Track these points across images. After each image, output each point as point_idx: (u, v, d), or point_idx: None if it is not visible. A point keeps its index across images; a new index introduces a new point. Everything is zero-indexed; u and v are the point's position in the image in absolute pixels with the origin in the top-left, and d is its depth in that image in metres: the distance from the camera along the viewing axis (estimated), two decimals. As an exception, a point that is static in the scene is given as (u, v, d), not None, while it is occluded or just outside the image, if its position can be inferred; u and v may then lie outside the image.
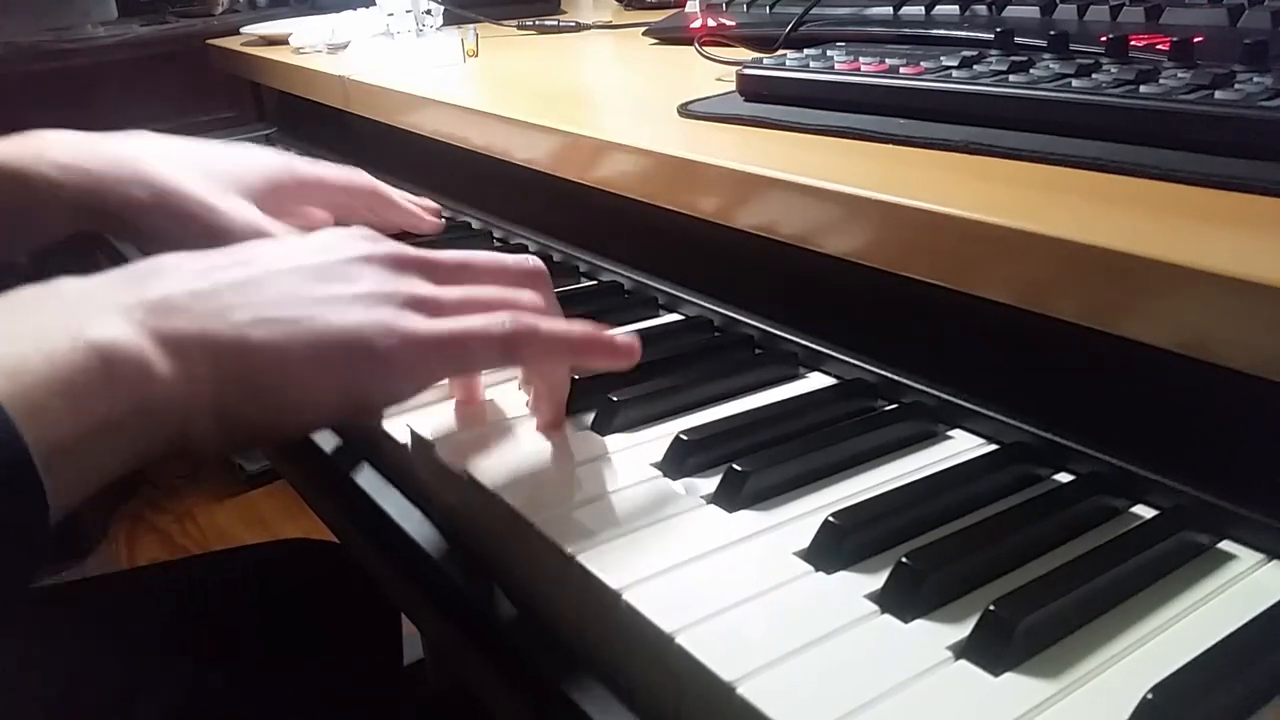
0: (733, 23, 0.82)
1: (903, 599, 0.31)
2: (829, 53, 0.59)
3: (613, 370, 0.42)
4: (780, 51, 0.65)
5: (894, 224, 0.40)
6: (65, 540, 1.65)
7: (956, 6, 0.68)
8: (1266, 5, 0.54)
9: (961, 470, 0.39)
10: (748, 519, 0.37)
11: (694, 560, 0.34)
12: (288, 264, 0.38)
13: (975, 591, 0.32)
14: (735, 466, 0.38)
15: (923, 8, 0.70)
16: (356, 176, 0.65)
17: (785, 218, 0.45)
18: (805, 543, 0.35)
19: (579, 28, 1.11)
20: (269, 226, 0.56)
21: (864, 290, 0.44)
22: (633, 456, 0.41)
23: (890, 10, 0.72)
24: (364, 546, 0.47)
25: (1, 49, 1.43)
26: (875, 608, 0.32)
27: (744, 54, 0.77)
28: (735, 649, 0.29)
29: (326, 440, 0.52)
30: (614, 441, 0.43)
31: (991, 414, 0.41)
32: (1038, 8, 0.64)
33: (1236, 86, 0.42)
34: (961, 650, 0.30)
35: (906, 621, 0.31)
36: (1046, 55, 0.52)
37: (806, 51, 0.61)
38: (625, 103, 0.71)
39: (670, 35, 0.91)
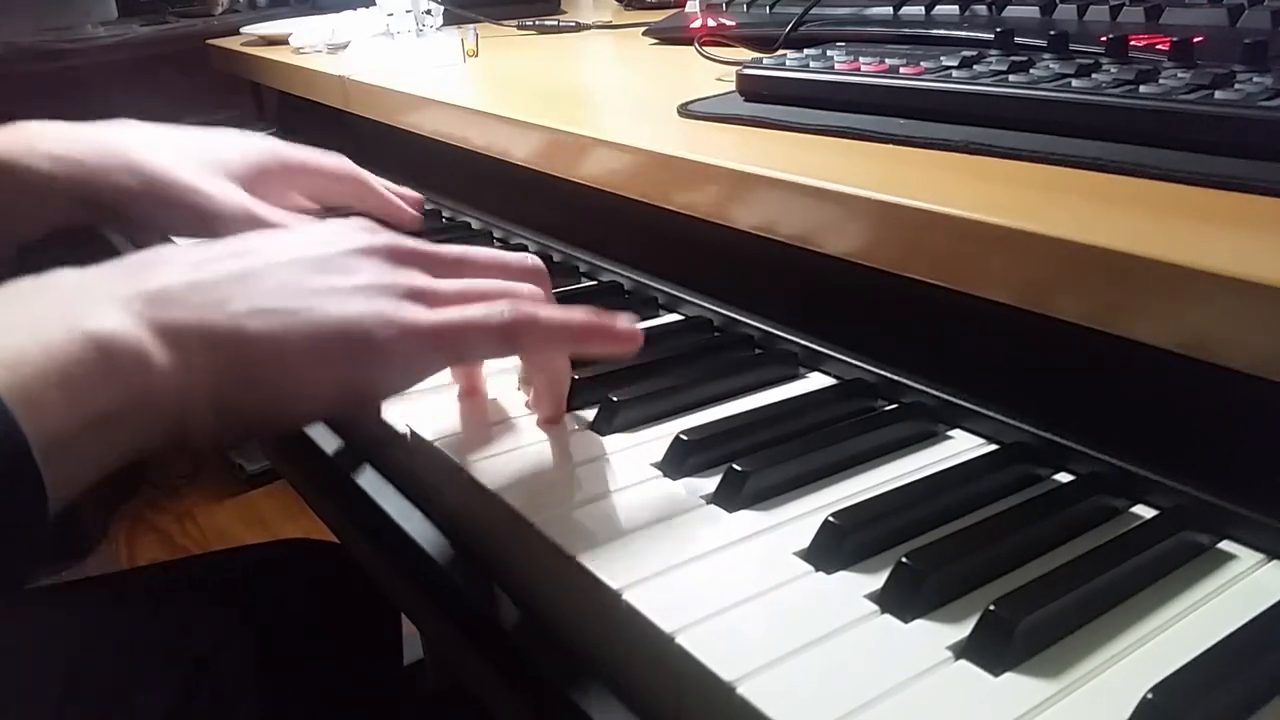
0: (733, 23, 0.82)
1: (903, 599, 0.31)
2: (829, 53, 0.59)
3: (615, 355, 0.42)
4: (780, 51, 0.65)
5: (894, 224, 0.40)
6: (65, 540, 1.65)
7: (956, 6, 0.68)
8: (1266, 5, 0.54)
9: (961, 470, 0.39)
10: (748, 519, 0.37)
11: (694, 560, 0.34)
12: (286, 255, 0.38)
13: (975, 591, 0.32)
14: (735, 466, 0.38)
15: (923, 8, 0.70)
16: (340, 163, 0.65)
17: (785, 218, 0.45)
18: (805, 543, 0.35)
19: (579, 28, 1.11)
20: (260, 211, 0.57)
21: (864, 290, 0.44)
22: (633, 456, 0.41)
23: (890, 10, 0.72)
24: (364, 546, 0.47)
25: (1, 49, 1.43)
26: (875, 608, 0.32)
27: (744, 54, 0.77)
28: (735, 649, 0.29)
29: (327, 440, 0.52)
30: (614, 441, 0.43)
31: (991, 414, 0.41)
32: (1038, 8, 0.64)
33: (1236, 86, 0.42)
34: (961, 650, 0.30)
35: (906, 621, 0.31)
36: (1046, 55, 0.52)
37: (806, 51, 0.61)
38: (625, 103, 0.71)
39: (670, 35, 0.91)
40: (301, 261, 0.38)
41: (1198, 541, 0.34)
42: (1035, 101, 0.46)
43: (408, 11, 1.10)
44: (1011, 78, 0.49)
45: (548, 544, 0.36)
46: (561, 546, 0.35)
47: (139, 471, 1.92)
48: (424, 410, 0.45)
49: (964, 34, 0.63)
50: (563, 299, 0.46)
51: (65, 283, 0.34)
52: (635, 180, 0.54)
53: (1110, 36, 0.53)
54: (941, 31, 0.65)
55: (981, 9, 0.67)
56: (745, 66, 0.59)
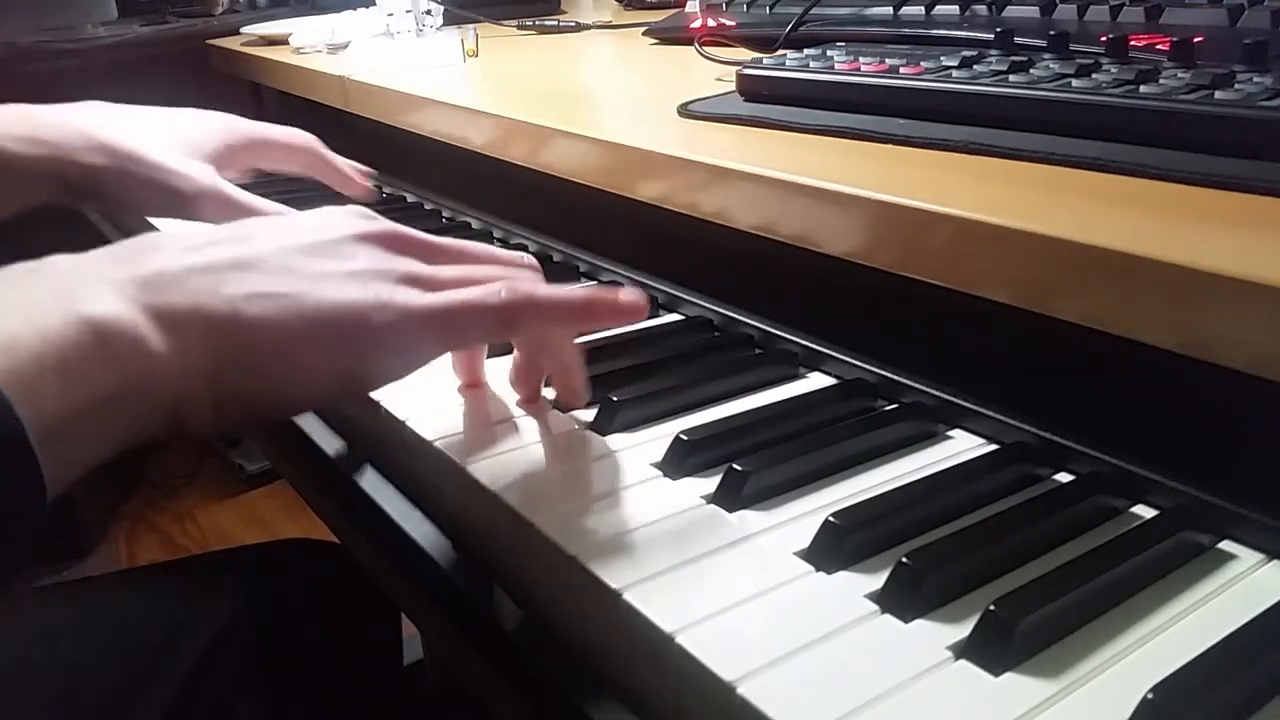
0: (733, 23, 0.82)
1: (903, 599, 0.31)
2: (829, 53, 0.59)
3: (622, 325, 0.41)
4: (780, 51, 0.65)
5: (894, 224, 0.40)
6: (65, 540, 1.65)
7: (956, 6, 0.68)
8: (1266, 5, 0.54)
9: (961, 470, 0.39)
10: (748, 519, 0.37)
11: (694, 560, 0.34)
12: (283, 241, 0.38)
13: (975, 591, 0.32)
14: (735, 466, 0.38)
15: (923, 8, 0.70)
16: (298, 136, 0.69)
17: (785, 218, 0.45)
18: (805, 543, 0.35)
19: (579, 28, 1.11)
20: (228, 190, 0.59)
21: (864, 290, 0.44)
22: (633, 456, 0.41)
23: (890, 10, 0.72)
24: (364, 546, 0.47)
25: (1, 49, 1.43)
26: (875, 608, 0.32)
27: (744, 54, 0.77)
28: (735, 649, 0.29)
29: (327, 440, 0.52)
30: (614, 441, 0.43)
31: (991, 414, 0.41)
32: (1038, 8, 0.64)
33: (1236, 86, 0.42)
34: (961, 650, 0.30)
35: (907, 621, 0.31)
36: (1046, 55, 0.52)
37: (806, 51, 0.61)
38: (625, 103, 0.71)
39: (670, 35, 0.91)
40: (298, 247, 0.38)
41: (1198, 541, 0.34)
42: (1035, 101, 0.46)
43: (408, 11, 1.10)
44: (1011, 78, 0.49)
45: (548, 544, 0.36)
46: (562, 546, 0.35)
47: (139, 471, 1.92)
48: (424, 410, 0.45)
49: (964, 34, 0.63)
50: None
51: (60, 267, 0.34)
52: (634, 180, 0.54)
53: (1110, 36, 0.53)
54: (941, 31, 0.65)
55: (981, 9, 0.67)
56: (745, 66, 0.59)
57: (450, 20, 1.15)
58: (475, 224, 0.76)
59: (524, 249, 0.68)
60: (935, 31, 0.65)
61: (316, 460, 0.51)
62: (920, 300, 0.41)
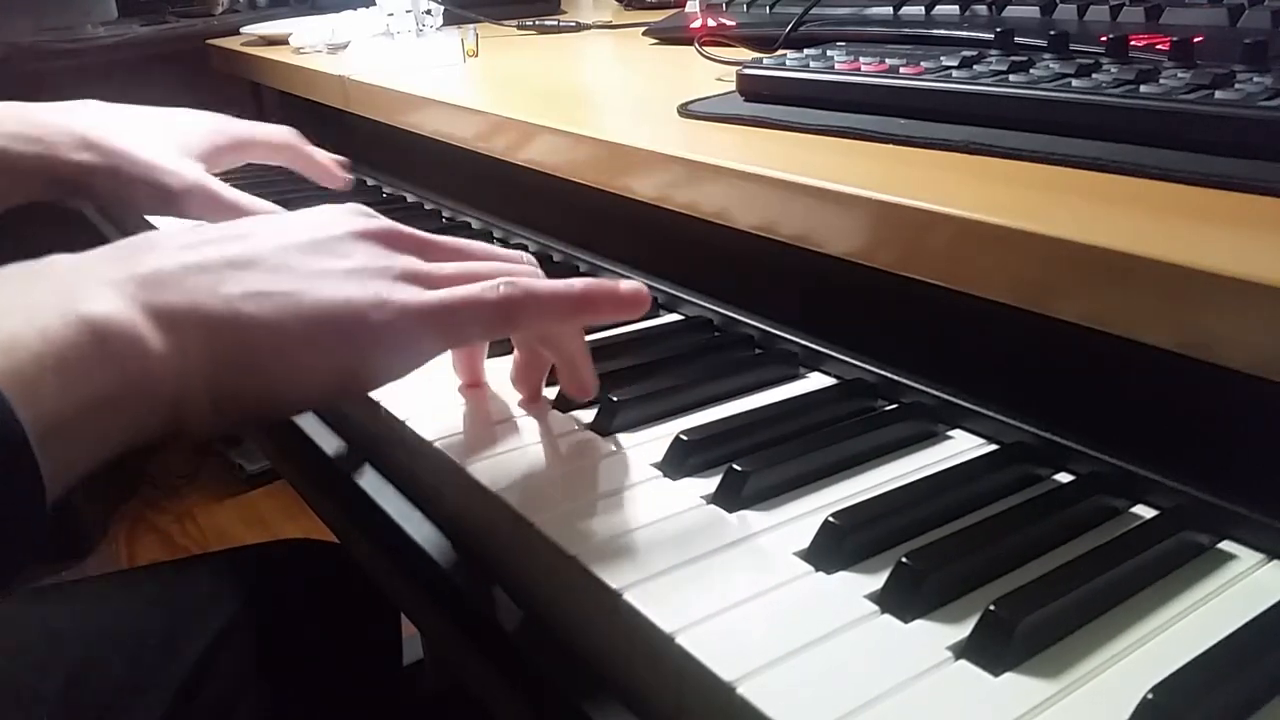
0: (733, 23, 0.82)
1: (903, 599, 0.31)
2: (829, 53, 0.59)
3: (623, 318, 0.41)
4: (780, 51, 0.65)
5: (894, 224, 0.40)
6: (65, 540, 1.65)
7: (956, 6, 0.68)
8: (1266, 5, 0.54)
9: (961, 470, 0.39)
10: (748, 519, 0.37)
11: (694, 560, 0.34)
12: (281, 239, 0.38)
13: (975, 591, 0.32)
14: (735, 466, 0.38)
15: (923, 8, 0.70)
16: (281, 133, 0.72)
17: (785, 218, 0.45)
18: (805, 543, 0.35)
19: (579, 28, 1.11)
20: (217, 189, 0.60)
21: (864, 290, 0.44)
22: (633, 456, 0.41)
23: (890, 10, 0.72)
24: (364, 546, 0.47)
25: (1, 49, 1.43)
26: (875, 608, 0.32)
27: (744, 54, 0.77)
28: (735, 649, 0.29)
29: (327, 440, 0.52)
30: (614, 442, 0.43)
31: (991, 414, 0.41)
32: (1038, 8, 0.64)
33: (1236, 86, 0.42)
34: (961, 650, 0.30)
35: (906, 621, 0.31)
36: (1046, 55, 0.52)
37: (806, 51, 0.61)
38: (625, 103, 0.71)
39: (670, 35, 0.91)
40: (296, 245, 0.38)
41: (1198, 541, 0.34)
42: (1035, 101, 0.46)
43: (408, 11, 1.10)
44: (1012, 78, 0.49)
45: (548, 544, 0.36)
46: (562, 546, 0.35)
47: (139, 471, 1.92)
48: (424, 410, 0.45)
49: (964, 34, 0.63)
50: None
51: (59, 267, 0.34)
52: (634, 180, 0.54)
53: (1110, 36, 0.53)
54: (942, 31, 0.65)
55: (981, 9, 0.67)
56: (745, 66, 0.59)
57: (450, 20, 1.15)
58: (475, 224, 0.76)
59: (524, 249, 0.68)
60: (935, 31, 0.65)
61: (316, 460, 0.51)
62: (920, 300, 0.41)
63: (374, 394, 0.46)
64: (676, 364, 0.49)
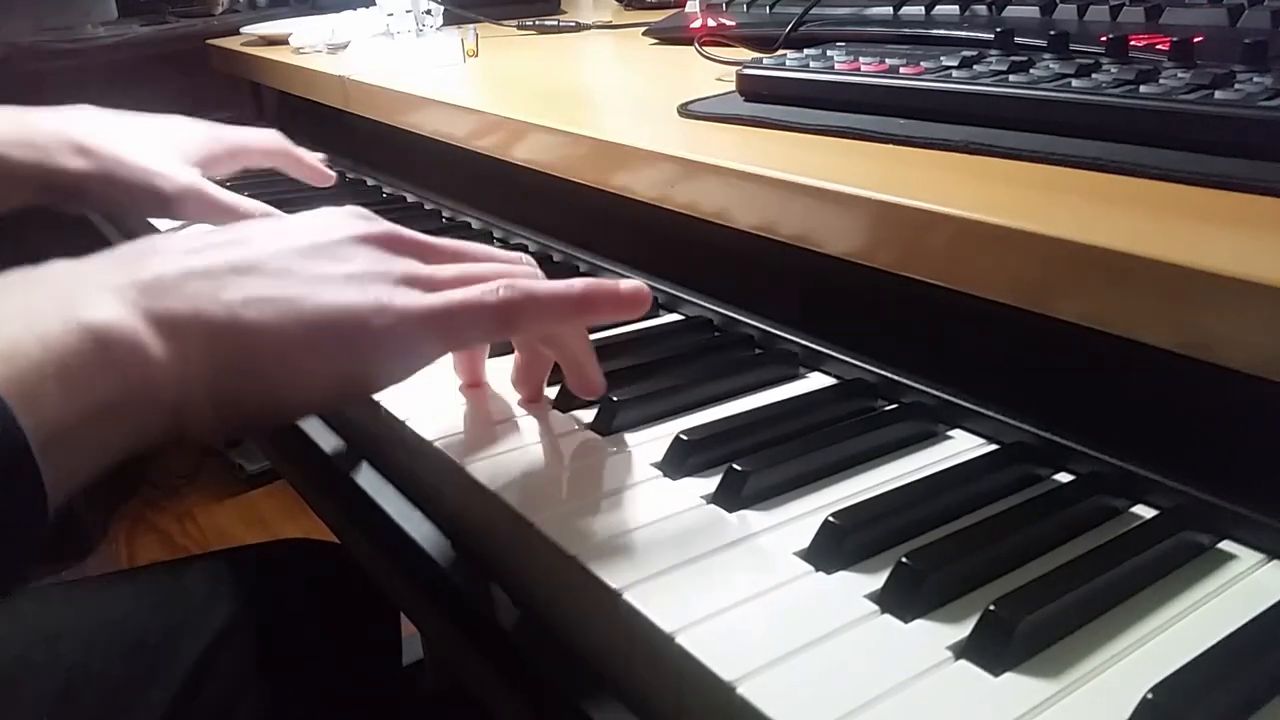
0: (733, 23, 0.82)
1: (903, 599, 0.31)
2: (829, 53, 0.59)
3: (624, 318, 0.41)
4: (780, 51, 0.65)
5: (894, 224, 0.40)
6: (65, 540, 1.65)
7: (956, 6, 0.68)
8: (1266, 5, 0.54)
9: (961, 470, 0.39)
10: (748, 519, 0.37)
11: (694, 560, 0.34)
12: (281, 244, 0.38)
13: (975, 591, 0.32)
14: (735, 466, 0.38)
15: (923, 8, 0.70)
16: (271, 138, 0.74)
17: (785, 218, 0.45)
18: (805, 543, 0.35)
19: (579, 28, 1.11)
20: (212, 192, 0.61)
21: (864, 290, 0.44)
22: (633, 456, 0.41)
23: (890, 10, 0.72)
24: (364, 546, 0.47)
25: (2, 49, 1.43)
26: (875, 608, 0.32)
27: (744, 54, 0.77)
28: (735, 649, 0.29)
29: (327, 440, 0.52)
30: (614, 441, 0.43)
31: (991, 414, 0.41)
32: (1038, 8, 0.64)
33: (1236, 86, 0.42)
34: (961, 650, 0.30)
35: (906, 621, 0.31)
36: (1046, 55, 0.52)
37: (806, 51, 0.61)
38: (625, 103, 0.71)
39: (670, 35, 0.91)
40: (296, 249, 0.38)
41: (1198, 541, 0.34)
42: (1035, 101, 0.46)
43: (408, 11, 1.10)
44: (1011, 78, 0.49)
45: (548, 544, 0.36)
46: (562, 546, 0.35)
47: (139, 471, 1.92)
48: (424, 410, 0.45)
49: (964, 34, 0.63)
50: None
51: (59, 273, 0.34)
52: (634, 180, 0.54)
53: (1110, 36, 0.53)
54: (941, 31, 0.65)
55: (981, 9, 0.67)
56: (745, 66, 0.59)
57: (450, 20, 1.15)
58: (475, 224, 0.76)
59: (524, 249, 0.69)
60: (935, 31, 0.65)
61: (316, 460, 0.51)
62: (920, 300, 0.41)
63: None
64: (676, 364, 0.49)
